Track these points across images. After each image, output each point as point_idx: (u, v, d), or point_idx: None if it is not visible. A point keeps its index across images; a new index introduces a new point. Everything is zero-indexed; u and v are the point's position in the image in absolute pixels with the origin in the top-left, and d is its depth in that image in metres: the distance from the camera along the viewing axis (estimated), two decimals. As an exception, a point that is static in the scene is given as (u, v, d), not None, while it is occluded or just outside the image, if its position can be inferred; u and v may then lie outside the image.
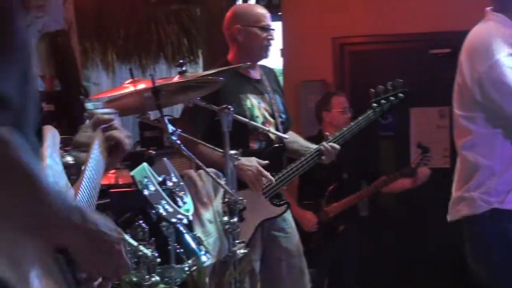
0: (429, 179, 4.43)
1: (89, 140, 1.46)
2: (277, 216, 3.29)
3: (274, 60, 4.84)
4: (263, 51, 3.37)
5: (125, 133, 1.53)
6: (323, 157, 3.34)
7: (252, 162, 3.13)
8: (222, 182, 2.64)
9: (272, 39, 3.36)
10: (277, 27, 5.91)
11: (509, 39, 2.38)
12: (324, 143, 3.35)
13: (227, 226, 2.63)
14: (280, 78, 5.87)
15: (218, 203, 2.80)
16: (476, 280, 2.53)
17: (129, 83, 2.44)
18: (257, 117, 3.28)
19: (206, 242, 2.57)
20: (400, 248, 5.37)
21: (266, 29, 3.33)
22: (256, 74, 3.42)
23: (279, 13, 5.86)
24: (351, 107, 4.49)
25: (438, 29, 5.23)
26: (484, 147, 2.48)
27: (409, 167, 4.41)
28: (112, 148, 1.53)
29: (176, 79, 2.40)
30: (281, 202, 3.31)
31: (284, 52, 5.78)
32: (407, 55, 5.45)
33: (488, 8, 2.52)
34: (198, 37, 6.02)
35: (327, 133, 3.47)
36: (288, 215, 3.40)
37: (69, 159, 1.53)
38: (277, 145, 3.33)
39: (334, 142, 3.37)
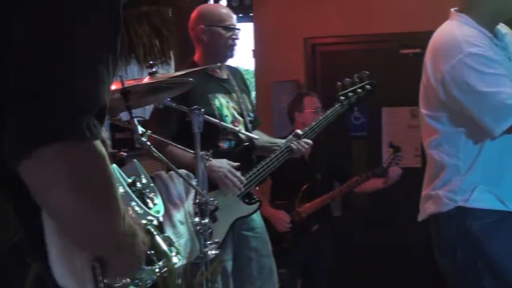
0: (401, 178, 4.50)
1: None
2: (250, 214, 3.33)
3: (246, 61, 4.87)
4: (228, 51, 3.39)
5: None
6: (294, 148, 3.37)
7: (222, 164, 3.16)
8: (193, 183, 2.65)
9: (236, 38, 3.39)
10: (249, 28, 5.96)
11: (471, 39, 2.41)
12: (294, 141, 3.38)
13: (198, 227, 2.64)
14: (252, 79, 5.93)
15: (189, 204, 2.79)
16: (444, 276, 2.57)
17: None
18: (226, 116, 3.31)
19: (177, 243, 2.57)
20: (373, 248, 5.43)
21: (230, 28, 3.36)
22: (223, 74, 3.45)
23: (251, 14, 5.89)
24: (323, 107, 4.53)
25: (408, 30, 5.31)
26: (449, 146, 2.51)
27: (381, 167, 4.47)
28: None
29: (146, 80, 2.41)
30: (253, 200, 3.34)
31: (256, 53, 5.82)
32: (377, 55, 5.52)
33: (452, 9, 2.56)
34: (170, 38, 6.01)
35: (297, 130, 3.50)
36: (257, 215, 3.43)
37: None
38: (246, 144, 3.35)
39: (305, 137, 3.41)
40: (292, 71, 5.59)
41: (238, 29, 3.42)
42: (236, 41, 3.39)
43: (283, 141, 3.43)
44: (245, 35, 5.29)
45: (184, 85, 2.53)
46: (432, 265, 2.65)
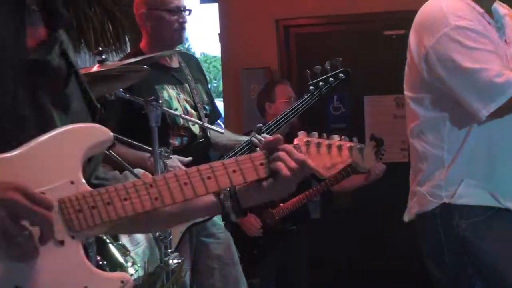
0: (386, 175, 4.54)
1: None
2: (206, 220, 3.32)
3: (211, 46, 4.85)
4: (175, 36, 3.37)
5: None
6: (255, 142, 3.37)
7: (174, 162, 3.13)
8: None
9: (184, 22, 3.35)
10: (213, 9, 5.95)
11: (459, 12, 2.40)
12: (255, 134, 3.38)
13: (158, 233, 2.64)
14: (219, 66, 5.91)
15: (147, 207, 2.80)
16: (434, 283, 2.59)
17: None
18: (175, 109, 3.28)
19: (134, 253, 2.58)
20: (357, 254, 5.47)
21: (175, 10, 3.33)
22: (174, 62, 3.42)
23: (216, -7, 5.88)
24: (298, 97, 4.54)
25: (392, 9, 5.34)
26: (432, 134, 2.50)
27: (362, 162, 4.49)
28: None
29: (95, 68, 2.40)
30: None
31: (223, 37, 5.81)
32: (359, 37, 5.56)
33: None
34: (124, 22, 5.97)
35: (260, 124, 3.50)
36: (218, 219, 3.43)
37: None
38: (201, 140, 3.34)
39: (268, 133, 3.39)
40: (263, 57, 5.59)
41: (185, 10, 3.37)
42: (184, 25, 3.36)
43: (247, 138, 3.41)
44: (210, 17, 5.27)
45: (138, 73, 2.52)
46: (424, 272, 2.66)
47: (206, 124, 3.25)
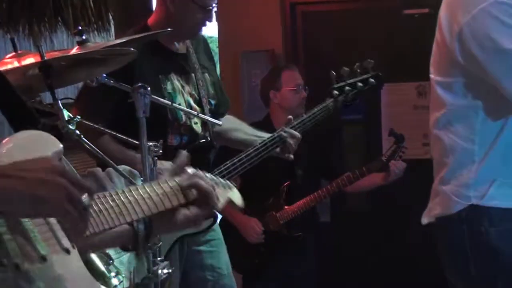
0: (405, 173, 4.54)
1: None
2: (200, 231, 3.32)
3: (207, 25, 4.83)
4: (194, 31, 3.35)
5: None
6: (277, 149, 3.36)
7: (165, 166, 3.12)
8: (139, 182, 2.64)
9: (210, 21, 3.33)
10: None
11: None
12: (284, 128, 3.37)
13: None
14: (216, 48, 5.91)
15: (133, 210, 2.80)
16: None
17: (11, 57, 2.42)
18: (179, 105, 3.25)
19: (118, 261, 2.57)
20: (372, 263, 5.47)
21: (208, 10, 3.32)
22: (181, 47, 3.40)
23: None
24: (307, 85, 4.55)
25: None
26: (461, 124, 2.50)
27: (379, 160, 4.50)
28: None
29: (74, 51, 2.40)
30: None
31: (220, 16, 5.78)
32: (376, 17, 5.55)
33: None
34: (108, -2, 5.97)
35: (290, 116, 3.48)
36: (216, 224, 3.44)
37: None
38: (202, 141, 3.33)
39: (300, 126, 3.43)
40: (266, 38, 5.59)
41: (215, 9, 3.35)
42: (207, 23, 3.36)
43: (272, 134, 3.40)
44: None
45: (124, 57, 2.51)
46: (446, 286, 2.66)
47: (201, 115, 3.24)
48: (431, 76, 2.56)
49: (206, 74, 3.46)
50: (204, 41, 3.60)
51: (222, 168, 3.28)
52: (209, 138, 3.36)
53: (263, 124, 4.04)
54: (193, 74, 3.37)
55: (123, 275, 2.52)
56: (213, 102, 3.45)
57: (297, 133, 3.39)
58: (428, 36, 2.64)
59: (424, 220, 2.63)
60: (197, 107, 3.35)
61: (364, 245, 5.48)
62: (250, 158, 3.33)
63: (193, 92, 3.36)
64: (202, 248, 3.40)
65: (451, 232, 2.53)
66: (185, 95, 3.32)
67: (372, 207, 5.56)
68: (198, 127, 3.35)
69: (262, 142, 3.36)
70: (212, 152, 3.40)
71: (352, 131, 5.75)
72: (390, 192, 4.87)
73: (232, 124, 3.50)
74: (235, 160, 3.30)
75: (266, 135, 3.41)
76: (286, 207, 4.45)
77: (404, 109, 5.54)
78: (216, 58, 5.24)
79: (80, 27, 2.48)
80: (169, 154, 3.17)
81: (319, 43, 5.63)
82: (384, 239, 5.44)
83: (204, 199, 1.70)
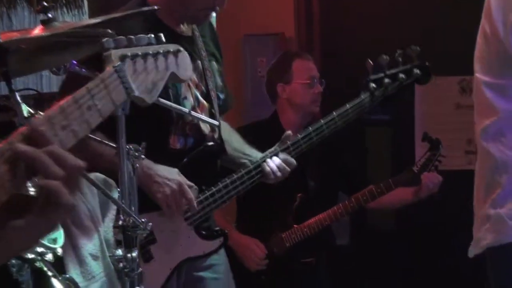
0: (443, 188, 4.52)
1: None
2: (207, 254, 3.35)
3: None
4: (200, 16, 3.35)
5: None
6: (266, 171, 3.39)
7: (173, 175, 3.15)
8: (115, 195, 2.65)
9: (221, 5, 3.33)
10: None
11: None
12: (269, 157, 3.40)
13: (121, 265, 2.63)
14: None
15: (107, 227, 2.80)
16: None
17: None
18: (184, 98, 3.28)
19: (87, 290, 2.57)
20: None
21: None
22: (187, 29, 3.40)
23: None
24: (323, 77, 4.54)
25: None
26: None
27: (410, 171, 4.48)
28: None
29: (37, 31, 2.39)
30: (214, 233, 3.34)
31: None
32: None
33: None
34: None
35: (288, 132, 3.50)
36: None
37: None
38: (210, 144, 3.34)
39: (294, 149, 3.44)
40: (274, 19, 5.61)
41: None
42: (218, 8, 3.35)
43: (260, 154, 3.43)
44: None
45: (99, 39, 2.51)
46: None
47: (194, 113, 3.22)
48: (477, 75, 2.58)
49: (214, 63, 3.47)
50: (210, 25, 3.60)
51: (219, 187, 3.33)
52: (218, 141, 3.36)
53: (269, 124, 4.04)
54: (199, 62, 3.37)
55: (94, 308, 2.52)
56: (222, 96, 3.45)
57: (289, 160, 3.42)
58: (473, 19, 2.65)
59: (472, 252, 2.66)
60: (205, 103, 3.36)
61: (389, 273, 5.52)
62: (242, 182, 3.39)
63: (200, 84, 3.37)
64: (205, 274, 3.40)
65: (507, 265, 2.56)
66: (192, 87, 3.32)
67: (398, 228, 5.57)
68: (206, 127, 3.36)
69: (246, 171, 3.40)
70: (220, 158, 3.40)
71: (377, 134, 5.76)
72: (421, 211, 4.86)
73: (223, 132, 3.48)
74: (229, 181, 3.36)
75: (255, 155, 3.44)
76: (295, 226, 4.44)
77: (443, 109, 5.56)
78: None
79: (45, 3, 2.47)
80: (171, 158, 3.19)
81: (338, 26, 5.63)
82: (411, 266, 5.47)
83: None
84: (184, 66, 1.84)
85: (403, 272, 5.47)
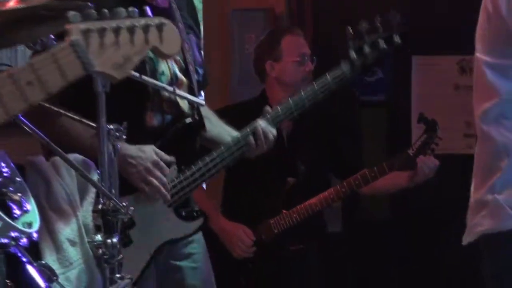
0: (440, 173, 4.52)
1: None
2: (187, 236, 3.33)
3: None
4: None
5: None
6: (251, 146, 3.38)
7: (146, 153, 3.14)
8: (95, 177, 2.64)
9: None
10: None
11: None
12: (258, 123, 3.37)
13: (101, 251, 2.62)
14: (200, 5, 5.90)
15: (86, 212, 2.79)
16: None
17: None
18: (162, 74, 3.27)
19: (64, 277, 2.57)
20: (393, 284, 5.54)
21: None
22: (163, 1, 3.40)
23: None
24: (315, 55, 4.53)
25: None
26: None
27: (405, 154, 4.48)
28: None
29: (11, 4, 2.38)
30: (193, 214, 3.34)
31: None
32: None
33: None
34: None
35: (267, 107, 3.49)
36: (199, 233, 3.44)
37: None
38: (188, 121, 3.34)
39: (274, 120, 3.42)
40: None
41: None
42: None
43: (238, 133, 3.41)
44: None
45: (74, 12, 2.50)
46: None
47: (179, 91, 3.23)
48: (477, 55, 2.59)
49: (192, 35, 3.46)
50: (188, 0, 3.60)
51: (199, 166, 3.31)
52: (197, 117, 3.35)
53: (258, 104, 4.02)
54: None
55: (71, 297, 2.52)
56: (201, 71, 3.45)
57: (268, 131, 3.40)
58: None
59: (466, 239, 2.66)
60: (183, 79, 3.35)
61: (382, 262, 5.54)
62: (222, 158, 3.37)
63: (178, 58, 3.36)
64: (182, 263, 3.40)
65: (504, 253, 2.56)
66: (169, 62, 3.31)
67: (392, 215, 5.59)
68: (184, 104, 3.35)
69: (227, 148, 3.39)
70: (199, 136, 3.40)
71: (371, 115, 5.75)
72: (417, 197, 4.86)
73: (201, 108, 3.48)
74: (208, 159, 3.34)
75: (235, 133, 3.43)
76: (284, 211, 4.44)
77: (442, 90, 5.56)
78: (200, 17, 5.23)
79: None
80: (148, 137, 3.18)
81: (332, 2, 5.62)
82: (407, 254, 5.49)
83: None
84: (169, 40, 1.84)
85: (398, 260, 5.49)
